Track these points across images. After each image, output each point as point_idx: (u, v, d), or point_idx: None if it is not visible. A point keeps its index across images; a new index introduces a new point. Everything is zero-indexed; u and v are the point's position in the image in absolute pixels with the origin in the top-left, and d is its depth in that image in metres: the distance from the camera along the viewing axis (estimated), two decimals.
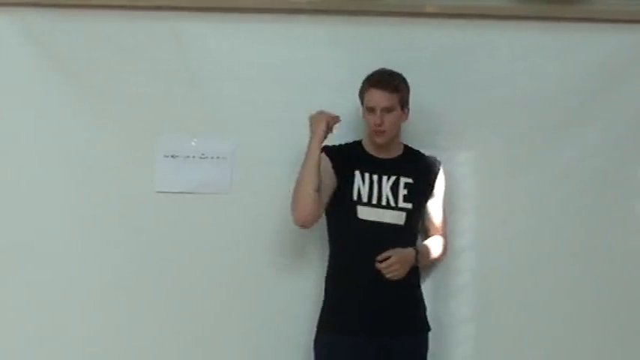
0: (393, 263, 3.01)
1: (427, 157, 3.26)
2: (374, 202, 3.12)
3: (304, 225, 3.09)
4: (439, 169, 3.25)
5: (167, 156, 3.39)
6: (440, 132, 3.43)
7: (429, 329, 3.19)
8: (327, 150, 3.16)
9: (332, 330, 3.12)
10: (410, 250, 3.09)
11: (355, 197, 3.12)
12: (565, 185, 3.43)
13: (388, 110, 3.11)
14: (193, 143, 3.40)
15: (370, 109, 3.12)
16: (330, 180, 3.12)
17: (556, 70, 3.43)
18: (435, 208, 3.25)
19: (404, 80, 3.17)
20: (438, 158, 3.28)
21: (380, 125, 3.09)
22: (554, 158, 3.42)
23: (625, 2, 3.41)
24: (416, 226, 3.20)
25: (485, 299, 3.40)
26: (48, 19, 3.38)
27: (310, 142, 3.06)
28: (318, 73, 3.42)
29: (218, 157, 3.39)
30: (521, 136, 3.42)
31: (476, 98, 3.43)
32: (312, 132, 3.07)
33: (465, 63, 3.44)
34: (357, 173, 3.14)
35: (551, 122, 3.42)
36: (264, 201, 3.33)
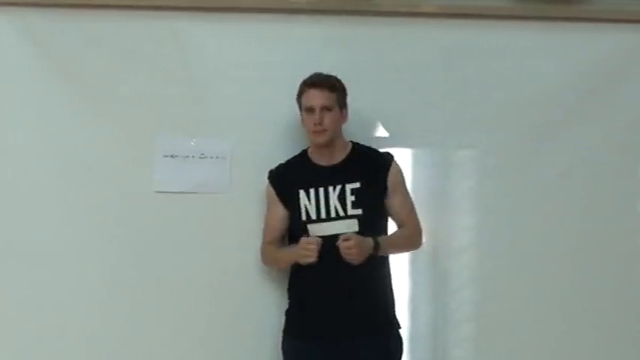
0: (349, 246, 2.97)
1: (377, 154, 3.20)
2: (323, 216, 3.08)
3: None
4: (390, 164, 3.16)
5: (166, 156, 3.39)
6: (438, 131, 3.43)
7: (396, 327, 3.13)
8: (271, 176, 3.21)
9: (293, 335, 3.15)
10: (369, 239, 3.03)
11: (304, 217, 3.11)
12: (565, 185, 3.43)
13: (327, 109, 3.09)
14: (192, 143, 3.40)
15: (309, 109, 3.10)
16: (281, 215, 3.17)
17: (555, 70, 3.43)
18: (395, 202, 3.15)
19: (339, 81, 3.16)
20: (390, 152, 3.22)
21: (320, 124, 3.07)
22: (554, 158, 3.42)
23: (624, 2, 3.42)
24: (375, 227, 3.11)
25: (485, 299, 3.40)
26: (47, 19, 3.38)
27: (292, 257, 3.11)
28: None
29: (217, 157, 3.39)
30: (521, 135, 3.42)
31: (475, 98, 3.43)
32: (298, 256, 3.08)
33: (464, 63, 3.44)
34: (302, 192, 3.12)
35: (550, 122, 3.42)
36: (263, 201, 3.31)
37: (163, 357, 3.36)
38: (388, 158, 3.19)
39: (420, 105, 3.33)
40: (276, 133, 3.38)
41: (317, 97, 3.09)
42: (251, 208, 3.35)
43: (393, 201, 3.15)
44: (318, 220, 3.09)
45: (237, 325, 3.35)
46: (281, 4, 3.42)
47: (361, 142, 3.24)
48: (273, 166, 3.27)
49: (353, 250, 2.97)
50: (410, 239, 3.20)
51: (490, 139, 3.44)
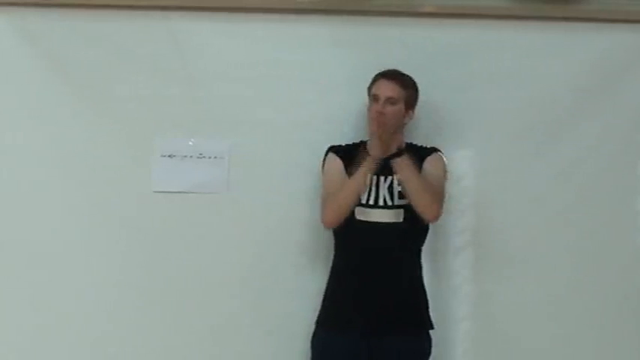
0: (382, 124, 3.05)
1: (425, 149, 3.26)
2: (371, 202, 3.13)
3: (331, 227, 3.17)
4: (430, 154, 3.22)
5: (164, 156, 3.39)
6: (439, 131, 3.42)
7: (428, 328, 3.17)
8: (336, 150, 3.22)
9: (326, 327, 3.15)
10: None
11: None
12: (564, 183, 3.42)
13: (392, 102, 3.12)
14: (191, 143, 3.40)
15: (375, 97, 3.14)
16: (345, 179, 3.16)
17: (553, 70, 3.43)
18: (425, 170, 3.18)
19: (414, 83, 3.20)
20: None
21: (381, 113, 3.09)
22: (553, 157, 3.42)
23: (623, 2, 3.40)
24: (420, 218, 3.13)
25: (484, 297, 3.40)
26: (45, 19, 3.39)
27: (368, 162, 3.10)
28: (317, 73, 3.42)
29: (215, 157, 3.39)
30: (520, 134, 3.42)
31: (475, 97, 3.43)
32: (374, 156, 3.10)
33: (464, 62, 3.44)
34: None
35: (549, 121, 3.42)
36: (262, 201, 3.33)
37: (160, 356, 3.36)
38: (431, 149, 3.25)
39: (420, 104, 3.32)
40: (274, 134, 3.38)
41: (384, 87, 3.13)
42: (249, 208, 3.36)
43: (422, 170, 3.16)
44: (367, 205, 3.11)
45: (235, 324, 3.35)
46: (280, 4, 3.42)
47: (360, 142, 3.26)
48: (271, 166, 3.28)
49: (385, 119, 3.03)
50: (425, 186, 3.11)
51: (489, 139, 3.44)
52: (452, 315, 3.39)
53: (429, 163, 3.20)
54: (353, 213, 3.12)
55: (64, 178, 3.38)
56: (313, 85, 3.39)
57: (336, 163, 3.20)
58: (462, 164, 3.44)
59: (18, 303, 3.37)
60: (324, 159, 3.23)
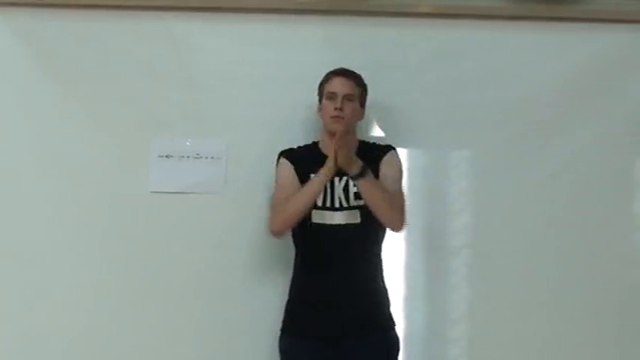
0: (341, 144, 2.94)
1: (379, 147, 3.21)
2: (327, 204, 3.08)
3: (279, 236, 3.14)
4: (385, 153, 3.16)
5: (161, 156, 3.39)
6: (434, 131, 3.44)
7: (391, 326, 3.12)
8: (287, 154, 3.18)
9: (290, 332, 3.12)
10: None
11: None
12: (560, 184, 3.43)
13: (349, 99, 3.10)
14: (188, 143, 3.40)
15: (331, 95, 3.11)
16: (297, 185, 3.12)
17: (549, 70, 3.44)
18: (381, 174, 3.12)
19: (363, 80, 3.18)
20: (392, 145, 3.21)
21: (341, 109, 3.07)
22: (549, 157, 3.43)
23: (619, 2, 3.42)
24: (376, 219, 3.08)
25: (480, 298, 3.40)
26: (41, 19, 3.38)
27: (326, 171, 3.02)
28: (312, 74, 3.37)
29: (212, 157, 3.39)
30: (516, 135, 3.43)
31: (470, 97, 3.44)
32: (331, 166, 3.01)
33: (459, 63, 3.45)
34: (313, 177, 3.07)
35: (545, 121, 3.43)
36: (258, 201, 3.32)
37: (157, 356, 3.35)
38: (387, 149, 3.20)
39: (416, 105, 3.34)
40: (271, 134, 3.37)
41: (341, 85, 3.11)
42: (246, 208, 3.36)
43: (380, 174, 3.12)
44: (323, 207, 3.08)
45: (232, 325, 3.35)
46: (275, 4, 3.42)
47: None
48: (268, 166, 3.26)
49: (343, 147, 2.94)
50: (389, 200, 3.07)
51: (485, 139, 3.44)
52: (448, 316, 3.39)
53: (385, 165, 3.14)
54: (309, 216, 3.06)
55: (61, 178, 3.36)
56: (309, 85, 3.36)
57: (286, 168, 3.15)
58: (457, 165, 3.44)
59: (12, 304, 3.35)
60: (277, 164, 3.19)
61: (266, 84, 3.41)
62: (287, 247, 3.25)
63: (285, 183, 3.14)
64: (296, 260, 3.17)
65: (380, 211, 3.04)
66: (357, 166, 2.98)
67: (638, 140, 3.47)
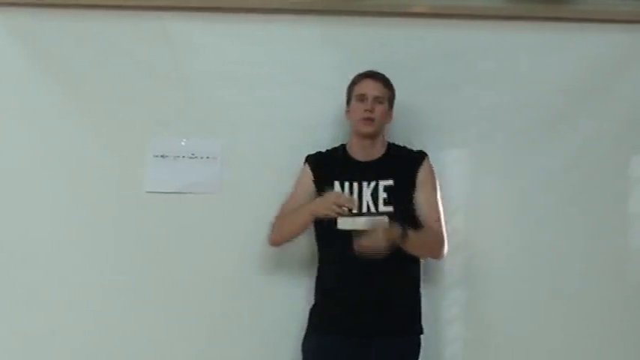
0: (368, 242, 2.86)
1: (411, 152, 3.21)
2: (354, 210, 3.01)
3: (274, 246, 3.20)
4: (421, 163, 3.17)
5: (157, 156, 3.39)
6: (432, 131, 3.43)
7: (418, 333, 3.14)
8: (310, 160, 3.19)
9: (315, 329, 3.12)
10: (395, 227, 2.93)
11: None
12: (557, 184, 3.43)
13: (379, 101, 3.12)
14: (183, 143, 3.40)
15: (361, 97, 3.12)
16: (310, 193, 3.13)
17: (547, 70, 3.44)
18: (420, 197, 3.13)
19: (391, 82, 3.20)
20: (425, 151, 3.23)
21: (371, 111, 3.09)
22: (547, 157, 3.43)
23: (615, 2, 3.41)
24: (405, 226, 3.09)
25: (476, 299, 3.40)
26: (39, 19, 3.39)
27: (311, 209, 3.02)
28: (308, 74, 3.43)
29: (208, 157, 3.40)
30: (514, 135, 3.43)
31: (467, 98, 3.44)
32: (316, 208, 2.99)
33: (456, 63, 3.45)
34: (337, 184, 3.10)
35: (543, 121, 3.43)
36: (254, 201, 3.33)
37: (154, 356, 3.36)
38: (421, 156, 3.19)
39: (414, 104, 3.33)
40: (267, 134, 3.38)
41: (371, 87, 3.13)
42: (242, 208, 3.36)
43: (418, 195, 3.13)
44: (349, 213, 3.00)
45: (228, 325, 3.35)
46: (272, 4, 3.42)
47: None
48: (264, 166, 3.29)
49: (372, 243, 2.87)
50: (433, 241, 3.12)
51: (482, 139, 3.44)
52: (442, 317, 3.38)
53: (423, 180, 3.13)
54: (335, 222, 2.92)
55: (57, 178, 3.38)
56: (305, 85, 3.39)
57: (305, 177, 3.17)
58: (454, 165, 3.44)
59: (10, 304, 3.36)
60: (302, 167, 3.20)
61: (263, 84, 3.41)
62: (281, 248, 3.26)
63: (297, 192, 3.17)
64: (320, 260, 3.16)
65: (427, 255, 3.17)
66: (395, 236, 2.92)
67: (635, 139, 3.46)
